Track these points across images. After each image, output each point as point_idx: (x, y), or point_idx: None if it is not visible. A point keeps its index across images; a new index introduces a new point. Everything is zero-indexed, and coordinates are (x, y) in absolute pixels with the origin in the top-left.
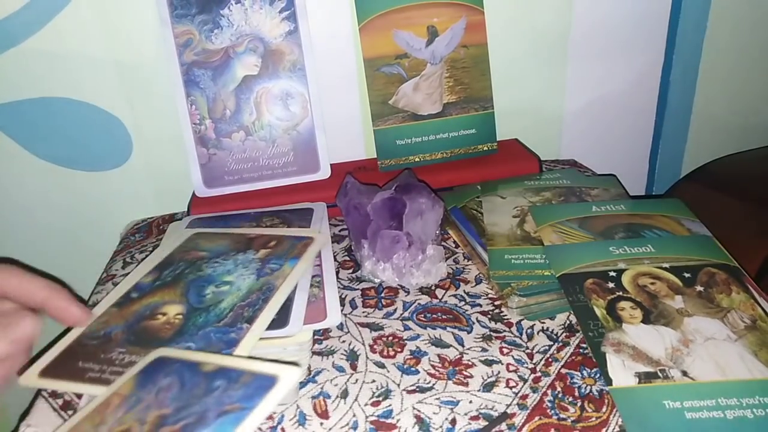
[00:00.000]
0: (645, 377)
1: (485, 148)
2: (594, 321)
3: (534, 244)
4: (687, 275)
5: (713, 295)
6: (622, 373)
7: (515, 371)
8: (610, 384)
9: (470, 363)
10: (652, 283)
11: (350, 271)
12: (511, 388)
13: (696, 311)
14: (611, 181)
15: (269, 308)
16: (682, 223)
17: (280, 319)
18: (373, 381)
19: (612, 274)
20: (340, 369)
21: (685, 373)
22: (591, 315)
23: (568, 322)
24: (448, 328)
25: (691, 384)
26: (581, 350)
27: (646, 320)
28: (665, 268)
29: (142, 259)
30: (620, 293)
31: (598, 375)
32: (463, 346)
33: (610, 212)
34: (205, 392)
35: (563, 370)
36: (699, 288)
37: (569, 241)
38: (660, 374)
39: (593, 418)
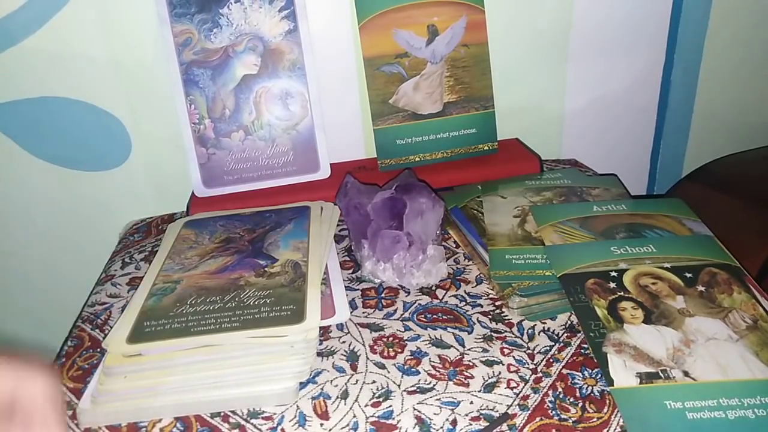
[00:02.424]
0: (646, 377)
1: (486, 148)
2: (595, 321)
3: (535, 244)
4: (688, 275)
5: (714, 295)
6: (623, 373)
7: (516, 372)
8: (612, 384)
9: (471, 363)
10: (654, 283)
11: (350, 271)
12: (512, 388)
13: (697, 311)
14: (612, 180)
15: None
16: (684, 222)
17: (296, 314)
18: (374, 382)
19: (613, 274)
20: (341, 370)
21: (686, 374)
22: (592, 315)
23: (569, 322)
24: (448, 329)
25: (693, 384)
26: (582, 350)
27: (647, 320)
28: (666, 268)
29: (141, 260)
30: (621, 293)
31: (600, 375)
32: (463, 346)
33: (611, 212)
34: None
35: (564, 371)
36: (700, 288)
37: (570, 241)
38: (661, 374)
39: (594, 419)
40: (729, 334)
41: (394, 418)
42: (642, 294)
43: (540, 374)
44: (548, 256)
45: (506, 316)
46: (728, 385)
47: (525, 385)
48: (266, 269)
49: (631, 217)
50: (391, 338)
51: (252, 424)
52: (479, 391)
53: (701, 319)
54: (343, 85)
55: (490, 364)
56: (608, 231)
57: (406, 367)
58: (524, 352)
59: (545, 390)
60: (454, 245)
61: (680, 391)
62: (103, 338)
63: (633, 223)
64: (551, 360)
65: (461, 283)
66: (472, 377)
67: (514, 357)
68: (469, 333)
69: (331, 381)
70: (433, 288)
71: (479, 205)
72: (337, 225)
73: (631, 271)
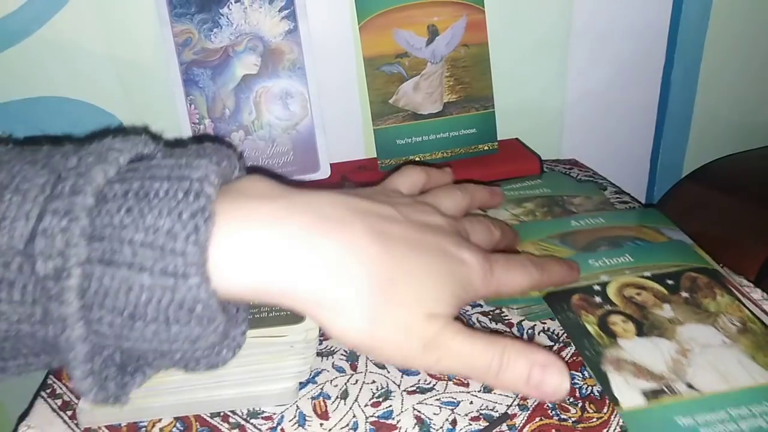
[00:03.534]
0: (652, 394)
1: (486, 148)
2: (589, 339)
3: None
4: (670, 282)
5: (699, 300)
6: (627, 391)
7: None
8: (617, 404)
9: None
10: (638, 294)
11: None
12: None
13: (686, 318)
14: (591, 188)
15: None
16: (663, 232)
17: (296, 314)
18: (373, 382)
19: (597, 287)
20: (340, 369)
21: (690, 386)
22: (584, 333)
23: None
24: None
25: (700, 398)
26: None
27: (639, 333)
28: (648, 277)
29: None
30: (609, 307)
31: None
32: None
33: (590, 226)
34: None
35: None
36: (684, 294)
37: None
38: (666, 389)
39: (594, 419)
40: (722, 339)
41: (393, 418)
42: (629, 306)
43: None
44: None
45: (506, 316)
46: (733, 395)
47: None
48: None
49: (612, 230)
50: None
51: (252, 424)
52: (479, 391)
53: (692, 326)
54: (343, 85)
55: None
56: (590, 245)
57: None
58: None
59: None
60: None
61: (688, 406)
62: None
63: (614, 236)
64: None
65: None
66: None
67: None
68: None
69: (331, 381)
70: None
71: None
72: None
73: (614, 282)
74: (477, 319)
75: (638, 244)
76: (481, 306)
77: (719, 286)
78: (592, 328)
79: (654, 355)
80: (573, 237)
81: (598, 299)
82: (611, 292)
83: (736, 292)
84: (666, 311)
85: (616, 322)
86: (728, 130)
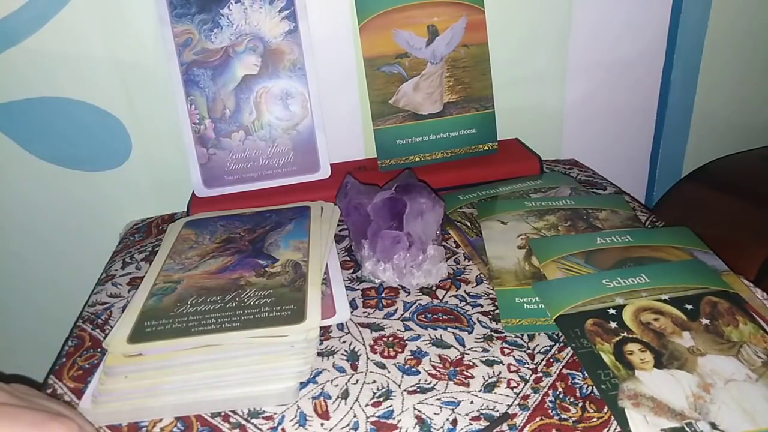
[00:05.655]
0: None
1: (486, 148)
2: (604, 370)
3: None
4: (689, 307)
5: (721, 328)
6: (647, 431)
7: (516, 372)
8: None
9: (471, 363)
10: (656, 319)
11: (350, 271)
12: (512, 388)
13: (707, 349)
14: (619, 201)
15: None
16: (694, 255)
17: (297, 314)
18: (374, 381)
19: (611, 311)
20: (341, 369)
21: (714, 426)
22: (599, 363)
23: None
24: (448, 329)
25: None
26: None
27: (658, 364)
28: (665, 301)
29: (142, 260)
30: (625, 334)
31: None
32: (464, 346)
33: (616, 244)
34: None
35: (564, 371)
36: (704, 321)
37: None
38: (688, 429)
39: (595, 419)
40: (746, 373)
41: (394, 418)
42: (646, 333)
43: (540, 374)
44: (538, 295)
45: None
46: None
47: (525, 384)
48: (267, 269)
49: (639, 249)
50: (391, 338)
51: (252, 423)
52: (479, 391)
53: (714, 358)
54: (343, 85)
55: (490, 363)
56: (616, 266)
57: (406, 366)
58: (524, 351)
59: (545, 390)
60: (454, 245)
61: None
62: (104, 338)
63: (642, 257)
64: (551, 360)
65: (461, 283)
66: (472, 377)
67: (514, 357)
68: (470, 333)
69: (332, 381)
70: (433, 288)
71: (462, 216)
72: (338, 225)
73: (630, 306)
74: (477, 318)
75: (656, 263)
76: (481, 306)
77: (741, 313)
78: (607, 358)
79: (674, 389)
80: (598, 256)
81: (613, 324)
82: (627, 316)
83: (759, 320)
84: (686, 340)
85: (633, 351)
86: (727, 131)
